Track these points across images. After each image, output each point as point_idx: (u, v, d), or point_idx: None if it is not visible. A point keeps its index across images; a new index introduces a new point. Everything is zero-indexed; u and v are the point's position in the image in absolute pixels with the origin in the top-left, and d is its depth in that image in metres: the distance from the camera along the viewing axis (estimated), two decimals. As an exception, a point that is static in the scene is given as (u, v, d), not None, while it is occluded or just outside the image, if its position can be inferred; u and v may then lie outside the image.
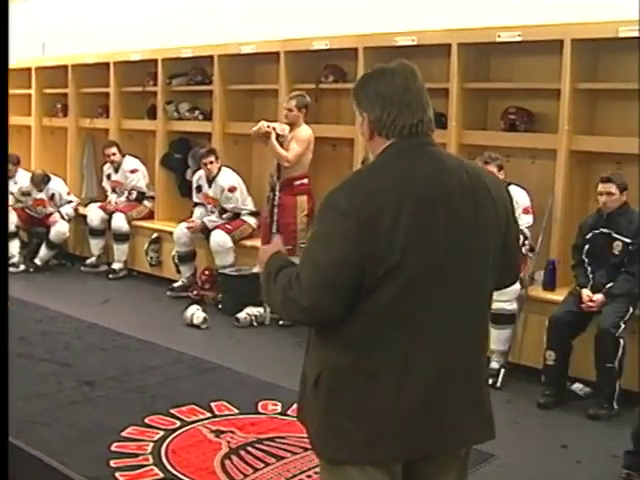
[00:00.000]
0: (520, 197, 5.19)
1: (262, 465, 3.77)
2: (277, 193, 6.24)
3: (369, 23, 6.15)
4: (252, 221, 7.06)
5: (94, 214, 8.00)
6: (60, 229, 8.02)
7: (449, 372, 2.04)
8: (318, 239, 2.01)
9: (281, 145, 6.18)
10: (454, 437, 2.10)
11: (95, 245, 8.06)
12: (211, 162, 6.87)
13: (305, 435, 4.00)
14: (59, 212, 8.04)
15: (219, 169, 6.95)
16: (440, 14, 5.78)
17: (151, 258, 7.68)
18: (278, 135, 6.15)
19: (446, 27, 5.66)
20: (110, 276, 7.82)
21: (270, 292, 2.10)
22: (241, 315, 6.30)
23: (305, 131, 6.26)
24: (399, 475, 2.09)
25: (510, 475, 3.80)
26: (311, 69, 6.72)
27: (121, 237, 7.81)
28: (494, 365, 5.05)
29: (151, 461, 3.76)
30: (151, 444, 3.95)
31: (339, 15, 6.45)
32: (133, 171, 7.92)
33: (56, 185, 8.14)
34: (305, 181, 6.34)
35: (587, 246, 4.86)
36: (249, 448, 3.96)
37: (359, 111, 2.12)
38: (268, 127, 6.13)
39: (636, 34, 4.74)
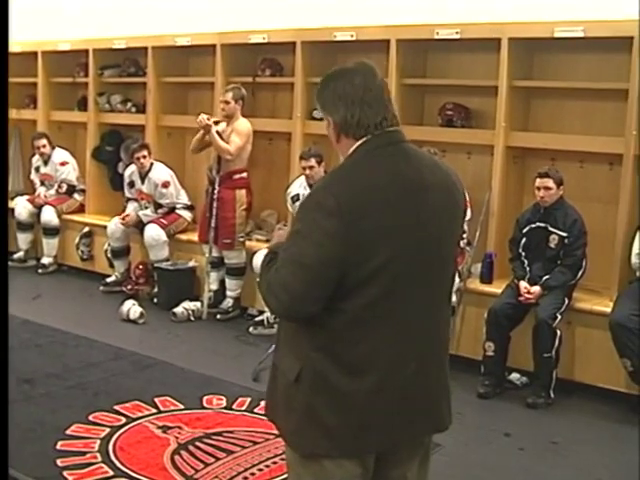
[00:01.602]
0: (458, 192, 5.28)
1: (212, 460, 3.76)
2: (216, 187, 6.20)
3: (308, 17, 6.16)
4: (187, 215, 7.00)
5: (22, 207, 7.78)
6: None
7: (426, 363, 2.09)
8: (303, 237, 2.00)
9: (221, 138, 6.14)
10: (429, 425, 2.17)
11: (23, 239, 7.85)
12: (144, 156, 6.77)
13: (253, 429, 4.07)
14: None
15: (151, 164, 6.86)
16: (379, 10, 5.83)
17: (82, 252, 7.54)
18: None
19: (385, 23, 5.72)
20: (39, 271, 7.63)
21: (260, 282, 2.12)
22: (178, 310, 6.25)
23: (244, 124, 6.23)
24: (372, 465, 2.13)
25: (458, 463, 3.89)
26: (248, 62, 6.69)
27: (51, 231, 7.63)
28: (433, 357, 5.14)
29: (99, 459, 3.71)
30: (98, 441, 3.89)
31: (277, 8, 6.43)
32: (63, 164, 7.73)
33: None
34: (244, 175, 6.32)
35: (524, 240, 4.99)
36: (198, 443, 3.94)
37: (324, 115, 2.12)
38: (208, 120, 6.08)
39: (571, 35, 4.89)
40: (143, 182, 6.87)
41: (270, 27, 6.34)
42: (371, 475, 2.13)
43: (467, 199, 5.22)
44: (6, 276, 2.64)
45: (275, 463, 3.72)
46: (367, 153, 2.05)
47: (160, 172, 6.84)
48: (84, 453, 3.75)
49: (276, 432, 3.98)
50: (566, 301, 4.78)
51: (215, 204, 6.22)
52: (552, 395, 4.69)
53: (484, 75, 5.48)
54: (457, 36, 5.36)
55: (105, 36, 7.44)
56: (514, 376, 5.00)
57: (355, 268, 1.95)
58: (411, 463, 2.20)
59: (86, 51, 7.62)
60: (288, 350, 2.10)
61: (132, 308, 6.18)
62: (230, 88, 6.24)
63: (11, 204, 8.00)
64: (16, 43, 8.13)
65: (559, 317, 4.69)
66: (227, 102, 6.16)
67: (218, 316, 6.30)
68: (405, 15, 5.65)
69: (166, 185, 6.81)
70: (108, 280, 7.09)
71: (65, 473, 3.54)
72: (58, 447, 3.79)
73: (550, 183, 4.82)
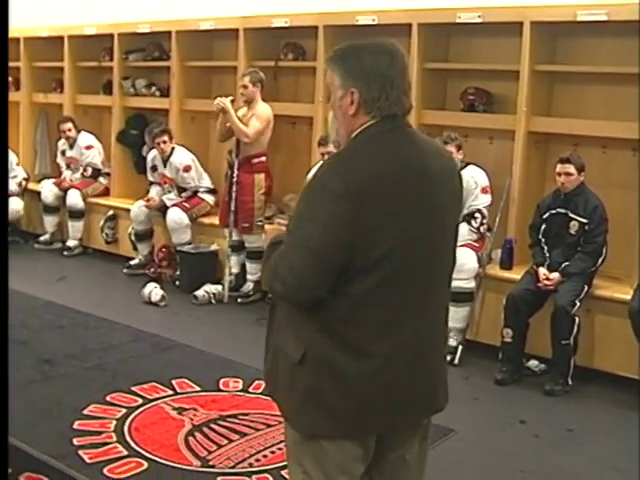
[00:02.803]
0: (479, 177, 5.26)
1: (226, 442, 3.79)
2: (235, 171, 6.22)
3: (330, 1, 6.13)
4: (210, 199, 7.02)
5: (48, 190, 7.87)
6: (14, 207, 7.84)
7: (427, 346, 2.10)
8: (308, 220, 1.98)
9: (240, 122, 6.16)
10: (428, 406, 2.18)
11: (49, 222, 7.95)
12: (164, 142, 6.78)
13: (268, 412, 4.09)
14: None
15: (172, 149, 6.88)
16: (401, -6, 5.79)
17: (107, 235, 7.61)
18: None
19: (407, 7, 5.68)
20: (65, 253, 7.72)
21: (263, 267, 2.11)
22: (199, 293, 6.29)
23: (265, 109, 6.24)
24: (372, 447, 2.13)
25: (470, 450, 3.88)
26: (270, 47, 6.69)
27: (76, 214, 7.71)
28: (452, 342, 5.13)
29: (114, 439, 3.76)
30: (114, 422, 3.94)
31: (300, -8, 6.42)
32: (88, 147, 7.80)
33: None
34: (263, 159, 6.33)
35: (544, 226, 4.94)
36: (212, 425, 3.97)
37: (345, 84, 2.02)
38: (222, 102, 6.08)
39: (594, 18, 4.82)
40: (165, 166, 6.90)
41: (292, 11, 6.33)
42: (371, 456, 2.14)
43: (487, 185, 5.27)
44: (6, 275, 2.68)
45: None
46: (373, 136, 2.02)
47: (181, 156, 6.86)
48: (100, 433, 3.81)
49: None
50: (585, 288, 4.73)
51: (234, 188, 6.24)
52: (570, 382, 4.66)
53: (506, 59, 5.41)
54: (479, 20, 5.31)
55: (130, 20, 7.47)
56: (532, 363, 4.97)
57: (361, 253, 1.94)
58: (410, 444, 2.21)
59: (111, 35, 7.66)
60: (291, 332, 2.10)
61: (154, 291, 6.22)
62: (247, 72, 6.25)
63: (37, 187, 8.12)
64: (43, 28, 8.25)
65: (578, 304, 4.65)
66: (245, 86, 6.17)
67: (239, 299, 6.33)
68: (427, -1, 5.62)
69: (187, 169, 6.84)
70: (131, 263, 7.15)
71: (80, 452, 3.60)
72: (75, 427, 3.85)
73: (571, 169, 4.77)
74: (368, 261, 1.95)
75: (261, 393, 4.40)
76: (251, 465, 3.57)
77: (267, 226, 6.32)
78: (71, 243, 7.76)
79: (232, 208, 6.24)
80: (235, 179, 6.23)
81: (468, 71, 5.73)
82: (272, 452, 3.70)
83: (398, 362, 2.04)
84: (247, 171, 6.26)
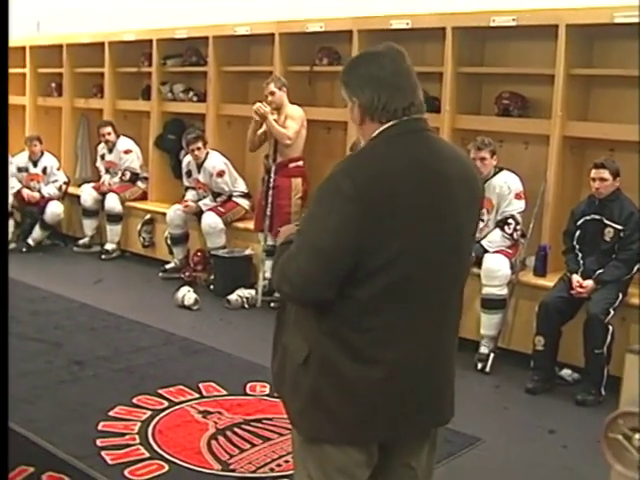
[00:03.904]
0: (513, 182, 5.19)
1: (248, 446, 3.78)
2: (272, 175, 6.22)
3: (364, 6, 6.12)
4: (245, 203, 7.05)
5: (87, 194, 7.97)
6: (54, 210, 8.00)
7: (436, 355, 2.07)
8: (318, 221, 1.97)
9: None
10: (434, 417, 2.14)
11: (88, 225, 8.05)
12: (198, 148, 6.83)
13: (292, 416, 4.06)
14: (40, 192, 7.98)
15: (207, 154, 6.91)
16: (435, -3, 5.76)
17: (144, 239, 7.67)
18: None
19: (441, 11, 5.63)
20: (103, 257, 7.81)
21: (273, 267, 2.11)
22: (232, 297, 6.30)
23: (296, 109, 6.26)
24: (376, 453, 2.11)
25: (496, 459, 3.81)
26: (305, 51, 6.68)
27: (114, 218, 7.79)
28: (483, 350, 5.07)
29: (137, 440, 3.77)
30: (138, 424, 3.96)
31: (334, -3, 6.42)
32: (127, 152, 7.89)
33: (48, 158, 8.14)
34: (300, 163, 6.34)
35: (578, 232, 4.85)
36: (236, 429, 3.97)
37: (348, 96, 2.07)
38: (262, 107, 6.10)
39: (631, 20, 4.72)
40: (199, 171, 6.95)
41: (327, 16, 6.33)
42: (375, 461, 2.11)
43: (521, 190, 5.19)
44: (6, 274, 2.71)
45: (310, 451, 3.71)
46: (389, 139, 2.01)
47: (215, 161, 6.90)
48: (123, 434, 3.82)
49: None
50: (620, 296, 4.63)
51: (271, 192, 6.24)
52: (603, 392, 4.55)
53: (541, 63, 5.34)
54: (513, 23, 5.24)
55: (168, 26, 7.55)
56: (565, 372, 4.88)
57: (370, 256, 1.92)
58: (417, 453, 2.18)
59: (150, 41, 7.74)
60: (298, 332, 2.09)
61: (187, 294, 6.26)
62: (270, 80, 6.26)
63: (77, 191, 8.23)
64: (84, 35, 8.38)
65: (612, 312, 4.54)
66: (273, 93, 6.17)
67: (272, 304, 6.30)
68: (461, 2, 5.57)
69: (221, 174, 6.86)
70: (167, 267, 7.20)
71: (103, 453, 3.62)
72: (99, 428, 3.87)
73: (606, 174, 4.67)
74: (376, 264, 1.93)
75: (287, 398, 4.38)
76: (272, 470, 3.56)
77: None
78: (109, 246, 7.84)
79: (268, 213, 6.24)
80: (272, 183, 6.24)
81: (503, 75, 5.65)
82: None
83: (404, 371, 2.01)
84: (284, 175, 6.27)
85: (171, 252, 7.26)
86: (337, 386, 2.01)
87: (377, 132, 2.03)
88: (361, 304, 1.97)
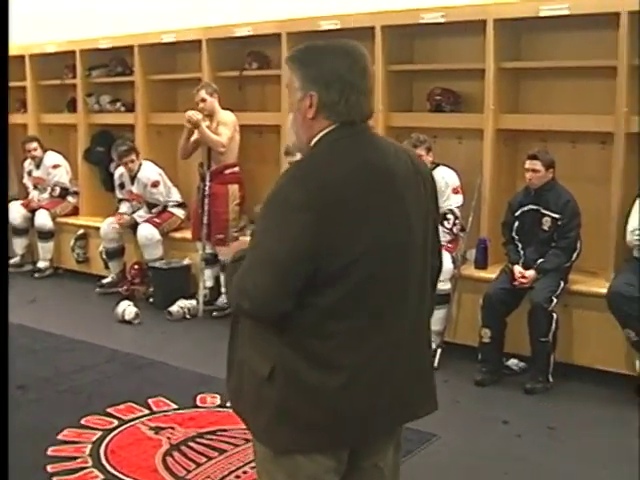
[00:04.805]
0: (449, 177, 5.23)
1: (205, 460, 3.71)
2: (207, 183, 6.14)
3: (292, 8, 6.09)
4: (180, 213, 6.95)
5: (16, 212, 7.73)
6: (-19, 229, 7.75)
7: (403, 356, 2.04)
8: (271, 233, 1.92)
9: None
10: (405, 414, 2.13)
11: (19, 244, 7.81)
12: (132, 161, 6.70)
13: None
14: None
15: (140, 165, 6.80)
16: (363, -3, 5.77)
17: (78, 255, 7.50)
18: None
19: (369, 10, 5.65)
20: (36, 275, 7.60)
21: (227, 285, 2.06)
22: (173, 308, 6.21)
23: (228, 115, 6.19)
24: (345, 458, 2.08)
25: (454, 453, 3.83)
26: (234, 56, 6.62)
27: (45, 235, 7.59)
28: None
29: (90, 463, 3.66)
30: (89, 445, 3.85)
31: (261, 1, 6.36)
32: (55, 166, 7.69)
33: None
34: (236, 169, 6.27)
35: (517, 223, 4.91)
36: (190, 443, 3.89)
37: (304, 86, 1.97)
38: (197, 115, 6.01)
39: (557, 13, 4.81)
40: (133, 183, 6.82)
41: (255, 19, 6.28)
42: (344, 467, 2.08)
43: (458, 185, 5.25)
44: (6, 277, 2.61)
45: (268, 460, 3.67)
46: (333, 142, 1.97)
47: (149, 172, 6.78)
48: (75, 458, 3.71)
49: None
50: (562, 284, 4.71)
51: (207, 200, 6.16)
52: (550, 380, 4.63)
53: (471, 58, 5.39)
54: (442, 19, 5.29)
55: (91, 36, 7.38)
56: (512, 362, 4.94)
57: (327, 263, 1.89)
58: (384, 453, 2.17)
59: (73, 52, 7.56)
60: (256, 348, 2.04)
61: (127, 309, 6.14)
62: (200, 87, 6.18)
63: (5, 209, 7.98)
64: (3, 47, 8.10)
65: (555, 300, 4.62)
66: (204, 100, 6.09)
67: (214, 313, 6.25)
68: (389, 1, 5.58)
69: (155, 185, 6.75)
70: (104, 281, 7.05)
71: (55, 479, 3.50)
72: (49, 453, 3.75)
73: (538, 165, 4.74)
74: (334, 270, 1.90)
75: (239, 407, 4.32)
76: (231, 482, 3.50)
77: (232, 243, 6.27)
78: (42, 264, 7.64)
79: (205, 221, 6.16)
80: (208, 191, 6.16)
81: (433, 71, 5.70)
82: (252, 467, 3.58)
83: (368, 373, 1.98)
84: (220, 182, 6.19)
85: (107, 266, 7.11)
86: (304, 395, 1.97)
87: (321, 134, 1.98)
88: (322, 311, 1.93)
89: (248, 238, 2.16)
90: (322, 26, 5.83)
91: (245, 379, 2.06)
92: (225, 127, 6.11)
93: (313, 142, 2.00)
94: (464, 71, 5.52)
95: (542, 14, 4.87)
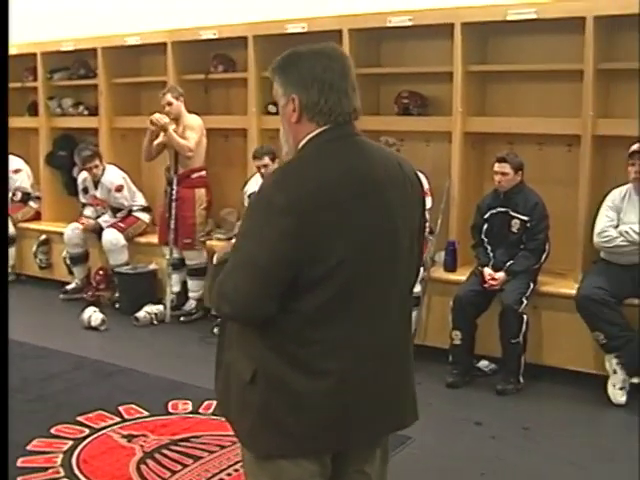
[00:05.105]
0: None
1: (180, 467, 3.66)
2: (175, 187, 6.09)
3: (258, 11, 6.05)
4: (145, 217, 6.88)
5: (-25, 218, 7.60)
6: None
7: (387, 361, 2.04)
8: (253, 237, 1.92)
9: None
10: (389, 423, 2.12)
11: (-21, 251, 7.67)
12: (96, 166, 6.60)
13: (220, 433, 3.99)
14: None
15: (103, 169, 6.70)
16: (330, 0, 5.75)
17: (40, 261, 7.38)
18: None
19: (336, 13, 5.64)
20: (-3, 282, 7.45)
21: (210, 287, 2.04)
22: (140, 314, 6.14)
23: (194, 118, 6.14)
24: (329, 463, 2.07)
25: (430, 455, 3.84)
26: (200, 59, 6.56)
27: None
28: (401, 348, 5.09)
29: (62, 473, 3.59)
30: (60, 455, 3.77)
31: (227, 3, 6.32)
32: (16, 171, 7.54)
33: None
34: (203, 173, 6.23)
35: (486, 225, 4.95)
36: (164, 450, 3.84)
37: (286, 91, 1.99)
38: (165, 119, 5.95)
39: (524, 17, 4.86)
40: (96, 187, 6.72)
41: (221, 22, 6.24)
42: (329, 471, 2.07)
43: (427, 188, 5.26)
44: (6, 279, 2.56)
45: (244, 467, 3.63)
46: (319, 147, 1.97)
47: (112, 176, 6.69)
48: (46, 469, 3.63)
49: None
50: (531, 285, 4.75)
51: (174, 204, 6.10)
52: (521, 380, 4.66)
53: (439, 61, 5.42)
54: (410, 23, 5.30)
55: (52, 39, 7.26)
56: (482, 363, 4.97)
57: (308, 268, 1.88)
58: (371, 459, 2.16)
59: (34, 55, 7.43)
60: (242, 350, 2.03)
61: (93, 315, 6.05)
62: (166, 90, 6.12)
63: (-36, 215, 7.82)
64: (-40, 50, 7.94)
65: (525, 302, 4.66)
66: (170, 103, 6.03)
67: (181, 318, 6.20)
68: (357, 4, 5.58)
69: (119, 189, 6.67)
70: (68, 288, 6.94)
71: (26, 491, 3.43)
72: (19, 464, 3.65)
73: (507, 168, 4.78)
74: (315, 276, 1.89)
75: (212, 414, 4.28)
76: (207, 490, 3.46)
77: (216, 243, 6.23)
78: (3, 271, 7.49)
79: (172, 225, 6.10)
80: (175, 195, 6.10)
81: (401, 75, 5.72)
82: (228, 474, 3.59)
83: (353, 380, 1.97)
84: (187, 186, 6.14)
85: (71, 272, 7.00)
86: (286, 400, 1.96)
87: (308, 138, 1.99)
88: (304, 317, 1.92)
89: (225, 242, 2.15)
90: (289, 29, 5.81)
91: (231, 382, 2.06)
92: (192, 131, 6.06)
93: (300, 146, 2.01)
94: (431, 74, 5.54)
95: (509, 18, 4.91)
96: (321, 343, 1.94)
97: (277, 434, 1.98)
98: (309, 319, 1.92)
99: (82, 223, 6.80)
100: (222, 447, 3.85)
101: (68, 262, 6.99)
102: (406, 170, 2.08)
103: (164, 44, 6.52)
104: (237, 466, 3.64)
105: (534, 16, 4.81)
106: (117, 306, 6.49)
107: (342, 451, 2.08)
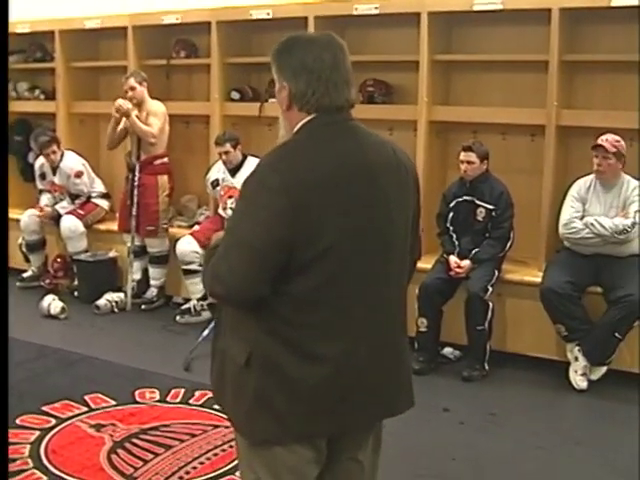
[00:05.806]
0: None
1: (151, 456, 3.63)
2: (137, 174, 6.01)
3: (222, -4, 6.01)
4: (104, 204, 6.77)
5: None
6: None
7: (382, 346, 2.05)
8: (246, 217, 1.92)
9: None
10: (383, 409, 2.13)
11: None
12: (54, 152, 6.47)
13: (190, 421, 3.97)
14: None
15: (62, 154, 6.58)
16: (298, -13, 5.73)
17: (-5, 248, 7.22)
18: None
19: (303, 0, 5.61)
20: (-50, 270, 7.28)
21: (204, 271, 2.04)
22: (101, 302, 6.06)
23: (157, 105, 6.07)
24: (324, 449, 2.08)
25: (400, 442, 3.82)
26: (161, 44, 6.48)
27: (-41, 228, 7.28)
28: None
29: (31, 464, 3.53)
30: (28, 446, 3.71)
31: (190, -13, 6.26)
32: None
33: None
34: (165, 160, 6.15)
35: (451, 214, 4.99)
36: (134, 440, 3.80)
37: (279, 79, 2.01)
38: (128, 105, 5.86)
39: (489, 7, 4.90)
40: (55, 173, 6.59)
41: (184, 7, 6.16)
42: (324, 458, 2.08)
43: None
44: (6, 278, 2.52)
45: (216, 455, 3.63)
46: (312, 131, 1.98)
47: (71, 162, 6.57)
48: (14, 460, 3.55)
49: (214, 423, 3.93)
50: (496, 273, 4.81)
51: (136, 191, 6.02)
52: (487, 367, 4.73)
53: (404, 50, 5.43)
54: (376, 11, 5.31)
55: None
56: (447, 350, 5.03)
57: (300, 250, 1.88)
58: (364, 446, 2.17)
59: (-13, 37, 7.25)
60: (236, 335, 2.02)
61: (52, 303, 5.95)
62: (130, 74, 6.04)
63: None
64: None
65: (490, 289, 4.72)
66: (133, 88, 5.94)
67: (143, 306, 6.14)
68: (319, -8, 5.57)
69: (79, 175, 6.55)
70: (25, 275, 6.81)
71: (-5, 482, 3.36)
72: (-15, 455, 3.60)
73: (473, 157, 4.83)
74: (307, 258, 1.89)
75: (180, 402, 4.27)
76: (181, 478, 3.43)
77: (177, 230, 6.18)
78: (-44, 259, 7.32)
79: (134, 212, 6.03)
80: (137, 182, 6.02)
81: (366, 63, 5.67)
82: (201, 463, 3.57)
83: (348, 365, 1.98)
84: (150, 173, 6.06)
85: (27, 260, 6.87)
86: (281, 384, 1.96)
87: (301, 124, 1.99)
88: (296, 300, 1.93)
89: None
90: (253, 15, 5.78)
91: (226, 367, 2.05)
92: (155, 117, 5.98)
93: (295, 129, 2.02)
94: (396, 63, 5.55)
95: (476, 8, 4.95)
96: (313, 327, 1.94)
97: (271, 420, 1.98)
98: (301, 302, 1.92)
99: (39, 210, 6.66)
100: (193, 435, 3.83)
101: (24, 249, 6.85)
102: (400, 156, 2.09)
103: (125, 28, 6.41)
104: (209, 454, 3.64)
105: (500, 7, 4.86)
106: (76, 294, 6.40)
107: (337, 434, 2.08)
